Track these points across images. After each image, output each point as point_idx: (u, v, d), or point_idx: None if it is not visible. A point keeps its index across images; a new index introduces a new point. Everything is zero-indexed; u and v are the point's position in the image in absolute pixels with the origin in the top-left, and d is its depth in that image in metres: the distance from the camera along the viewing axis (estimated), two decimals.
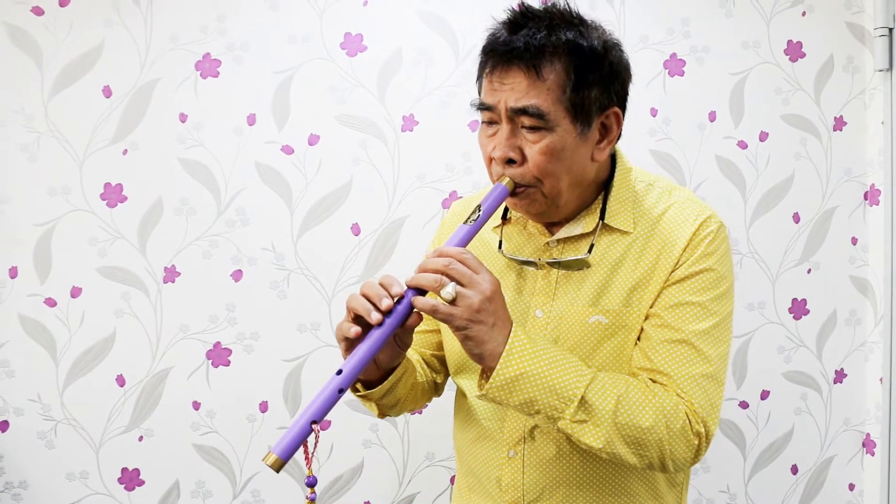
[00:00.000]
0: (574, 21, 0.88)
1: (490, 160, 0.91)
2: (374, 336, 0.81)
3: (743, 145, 1.71)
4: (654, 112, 1.68)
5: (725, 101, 1.70)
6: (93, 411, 1.56)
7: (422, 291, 0.83)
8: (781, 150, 1.73)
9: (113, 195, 1.56)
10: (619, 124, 0.92)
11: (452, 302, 0.81)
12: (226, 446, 1.59)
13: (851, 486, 1.79)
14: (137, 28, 1.56)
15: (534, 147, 0.87)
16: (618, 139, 0.95)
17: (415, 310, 0.83)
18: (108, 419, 1.56)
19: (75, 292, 1.55)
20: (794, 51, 1.72)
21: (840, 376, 1.77)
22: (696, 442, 0.88)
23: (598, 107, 0.88)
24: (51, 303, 1.55)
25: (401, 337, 0.89)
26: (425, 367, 1.11)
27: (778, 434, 1.75)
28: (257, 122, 1.58)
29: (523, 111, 0.85)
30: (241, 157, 1.58)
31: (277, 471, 0.75)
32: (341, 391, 0.79)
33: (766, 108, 1.72)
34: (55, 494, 1.55)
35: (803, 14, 1.72)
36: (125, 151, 1.56)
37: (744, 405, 1.73)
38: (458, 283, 0.82)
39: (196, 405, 1.58)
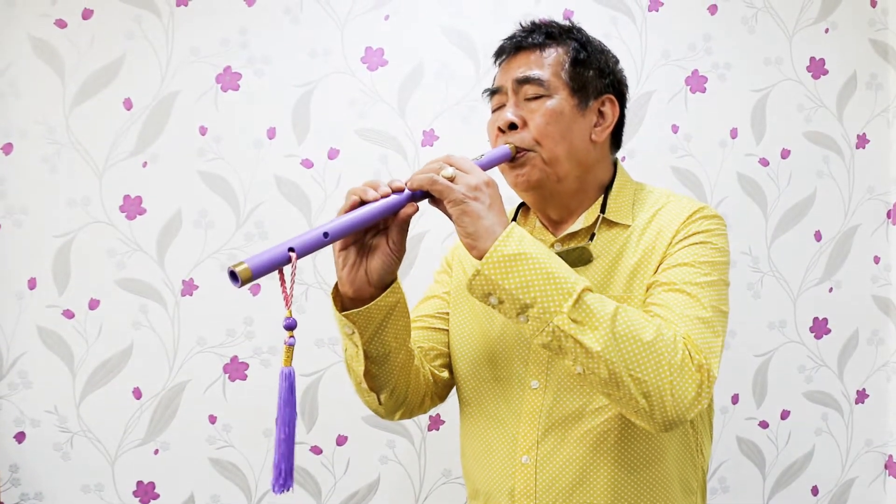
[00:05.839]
0: (573, 29, 1.02)
1: (497, 137, 0.99)
2: (369, 206, 0.83)
3: (764, 162, 1.70)
4: (675, 129, 1.66)
5: (747, 118, 1.69)
6: (109, 423, 1.56)
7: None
8: (803, 167, 1.71)
9: (132, 207, 1.56)
10: (615, 114, 1.01)
11: (451, 180, 0.84)
12: (241, 460, 1.58)
13: None
14: (159, 41, 1.56)
15: (535, 113, 0.96)
16: (617, 131, 1.03)
17: (409, 203, 0.86)
18: (124, 432, 1.56)
19: (93, 304, 1.55)
20: (817, 68, 1.71)
21: (862, 397, 1.75)
22: (699, 377, 0.83)
23: (594, 88, 0.99)
24: (69, 314, 1.54)
25: (392, 237, 0.89)
26: (424, 356, 1.08)
27: (798, 454, 1.73)
28: (277, 135, 1.58)
29: (526, 80, 0.97)
30: (261, 170, 1.58)
31: (242, 284, 0.71)
32: (326, 235, 0.78)
33: (788, 126, 1.70)
34: None
35: (826, 31, 1.71)
36: (145, 164, 1.56)
37: (764, 425, 1.71)
38: (458, 168, 0.86)
39: (212, 419, 1.57)
